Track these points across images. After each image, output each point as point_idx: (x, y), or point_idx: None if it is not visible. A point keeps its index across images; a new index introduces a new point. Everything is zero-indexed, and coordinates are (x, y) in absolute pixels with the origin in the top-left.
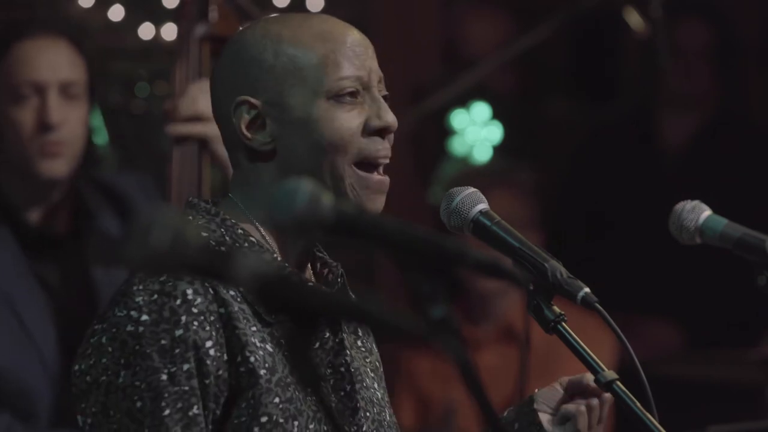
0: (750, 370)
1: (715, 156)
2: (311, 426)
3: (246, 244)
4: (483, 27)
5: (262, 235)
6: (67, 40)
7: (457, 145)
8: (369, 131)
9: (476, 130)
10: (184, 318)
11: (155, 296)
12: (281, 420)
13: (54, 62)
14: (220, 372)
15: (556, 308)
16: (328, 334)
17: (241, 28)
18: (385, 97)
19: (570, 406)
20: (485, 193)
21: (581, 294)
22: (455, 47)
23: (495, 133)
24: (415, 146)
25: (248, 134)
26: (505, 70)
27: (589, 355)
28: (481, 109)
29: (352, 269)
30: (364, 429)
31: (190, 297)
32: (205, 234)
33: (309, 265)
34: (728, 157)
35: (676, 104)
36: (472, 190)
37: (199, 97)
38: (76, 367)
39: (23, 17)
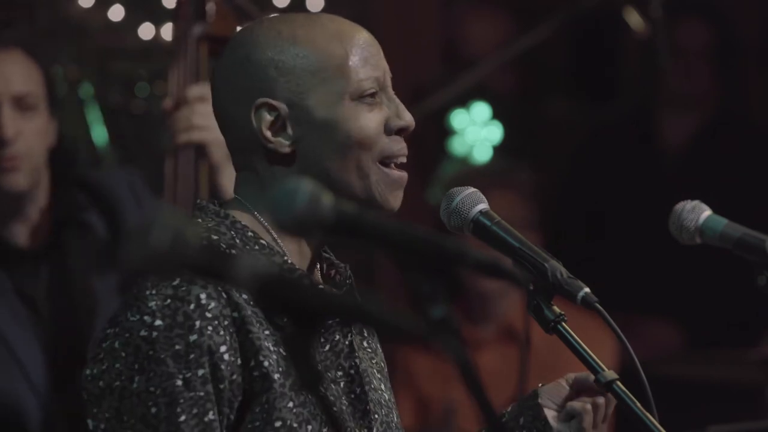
0: (750, 370)
1: (715, 156)
2: (324, 430)
3: (257, 247)
4: (483, 27)
5: (273, 238)
6: (21, 51)
7: (457, 145)
8: (390, 131)
9: (476, 130)
10: (198, 323)
11: (169, 301)
12: (295, 425)
13: (6, 74)
14: (234, 376)
15: (556, 308)
16: (338, 337)
17: (241, 30)
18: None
19: (576, 404)
20: (485, 194)
21: (581, 294)
22: (455, 47)
23: (495, 133)
24: (415, 146)
25: (270, 136)
26: (505, 70)
27: (589, 355)
28: (481, 109)
29: (352, 269)
30: (374, 431)
31: (203, 301)
32: (215, 237)
33: (317, 267)
34: (728, 157)
35: (676, 104)
36: (472, 190)
37: (198, 105)
38: (88, 372)
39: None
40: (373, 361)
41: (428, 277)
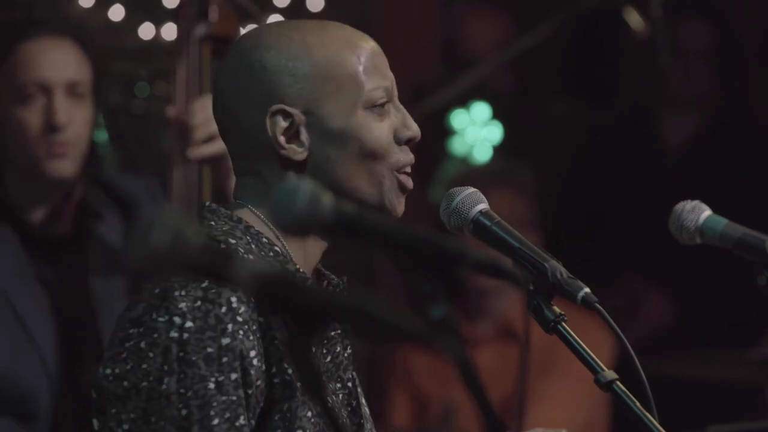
0: (750, 370)
1: (715, 156)
2: None
3: (271, 254)
4: (483, 27)
5: (283, 245)
6: (72, 39)
7: (457, 145)
8: (399, 141)
9: (476, 130)
10: (230, 326)
11: (199, 303)
12: None
13: (59, 62)
14: (259, 382)
15: (556, 308)
16: (339, 348)
17: (246, 35)
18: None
19: None
20: (484, 193)
21: (581, 294)
22: (455, 47)
23: (495, 133)
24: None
25: (284, 142)
26: (505, 70)
27: (589, 355)
28: (481, 109)
29: (352, 269)
30: None
31: (234, 305)
32: (233, 241)
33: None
34: (728, 157)
35: (676, 104)
36: (472, 190)
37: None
38: (108, 371)
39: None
40: (354, 374)
41: (428, 277)
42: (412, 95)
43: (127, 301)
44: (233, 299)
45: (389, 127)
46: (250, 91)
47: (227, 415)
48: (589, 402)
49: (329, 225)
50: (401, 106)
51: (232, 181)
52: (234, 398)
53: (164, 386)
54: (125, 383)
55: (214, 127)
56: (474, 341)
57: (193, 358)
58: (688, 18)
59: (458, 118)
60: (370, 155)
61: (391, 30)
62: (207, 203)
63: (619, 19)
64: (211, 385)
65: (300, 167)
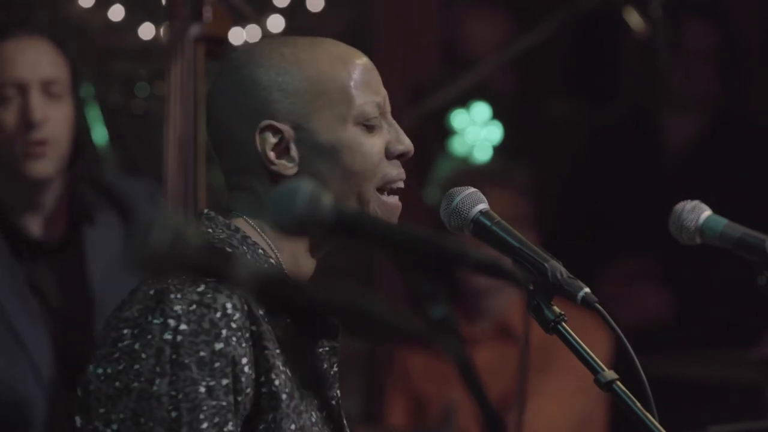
0: (750, 370)
1: (716, 156)
2: None
3: (266, 266)
4: (483, 27)
5: (276, 257)
6: (48, 39)
7: (457, 145)
8: (390, 155)
9: (476, 130)
10: (224, 332)
11: (194, 306)
12: None
13: (34, 61)
14: (248, 390)
15: (556, 308)
16: (326, 366)
17: (240, 50)
18: (399, 118)
19: None
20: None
21: (581, 294)
22: (455, 47)
23: (495, 133)
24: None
25: (273, 158)
26: (505, 70)
27: (589, 354)
28: (481, 109)
29: (352, 269)
30: None
31: (229, 311)
32: (229, 250)
33: None
34: (728, 157)
35: (676, 104)
36: (472, 190)
37: None
38: (100, 371)
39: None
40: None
41: (428, 277)
42: (412, 95)
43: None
44: (228, 305)
45: (380, 142)
46: (241, 106)
47: (216, 419)
48: (586, 399)
49: (329, 225)
50: (394, 122)
51: None
52: (224, 403)
53: (155, 387)
54: (117, 383)
55: None
56: (472, 341)
57: (186, 361)
58: (688, 18)
59: (458, 118)
60: (360, 172)
61: (391, 30)
62: (205, 210)
63: (619, 19)
64: (202, 389)
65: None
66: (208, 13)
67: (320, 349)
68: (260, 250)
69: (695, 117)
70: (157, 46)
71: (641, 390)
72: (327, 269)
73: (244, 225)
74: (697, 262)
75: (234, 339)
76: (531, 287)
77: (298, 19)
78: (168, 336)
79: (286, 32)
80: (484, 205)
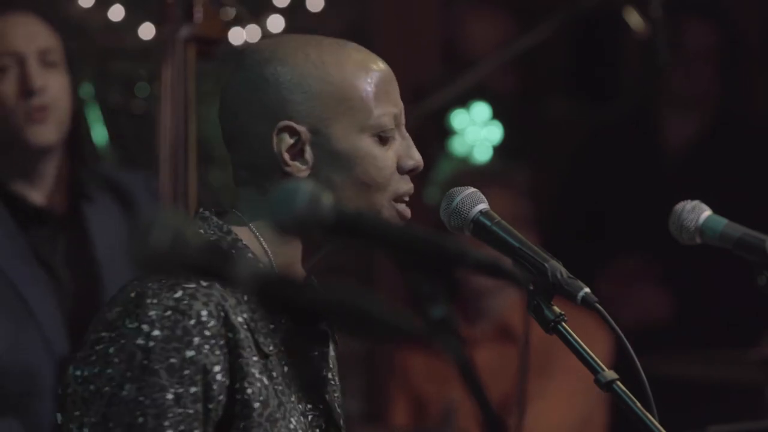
0: (750, 370)
1: (716, 156)
2: None
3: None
4: (483, 27)
5: (270, 260)
6: (38, 15)
7: (457, 145)
8: (401, 170)
9: (476, 130)
10: (196, 340)
11: (169, 312)
12: None
13: (29, 33)
14: (221, 397)
15: (556, 308)
16: (323, 365)
17: (263, 45)
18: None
19: None
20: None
21: (581, 294)
22: (455, 47)
23: (495, 133)
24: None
25: (288, 159)
26: (505, 70)
27: (589, 354)
28: (481, 109)
29: (352, 269)
30: None
31: (204, 319)
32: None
33: None
34: (728, 157)
35: (676, 104)
36: (472, 190)
37: None
38: (78, 373)
39: None
40: (335, 381)
41: (428, 277)
42: (412, 95)
43: (130, 277)
44: (204, 313)
45: (393, 156)
46: (260, 103)
47: (181, 427)
48: (587, 400)
49: (329, 225)
50: (407, 135)
51: None
52: (191, 411)
53: (125, 392)
54: (91, 386)
55: None
56: (472, 342)
57: (156, 367)
58: (689, 18)
59: (458, 118)
60: (372, 184)
61: (391, 30)
62: (201, 210)
63: (619, 19)
64: (170, 396)
65: None
66: (198, 14)
67: (311, 354)
68: (250, 254)
69: (695, 117)
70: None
71: (641, 390)
72: (327, 269)
73: (240, 226)
74: (697, 262)
75: (207, 347)
76: (531, 287)
77: (298, 19)
78: (140, 341)
79: (286, 32)
80: (484, 205)
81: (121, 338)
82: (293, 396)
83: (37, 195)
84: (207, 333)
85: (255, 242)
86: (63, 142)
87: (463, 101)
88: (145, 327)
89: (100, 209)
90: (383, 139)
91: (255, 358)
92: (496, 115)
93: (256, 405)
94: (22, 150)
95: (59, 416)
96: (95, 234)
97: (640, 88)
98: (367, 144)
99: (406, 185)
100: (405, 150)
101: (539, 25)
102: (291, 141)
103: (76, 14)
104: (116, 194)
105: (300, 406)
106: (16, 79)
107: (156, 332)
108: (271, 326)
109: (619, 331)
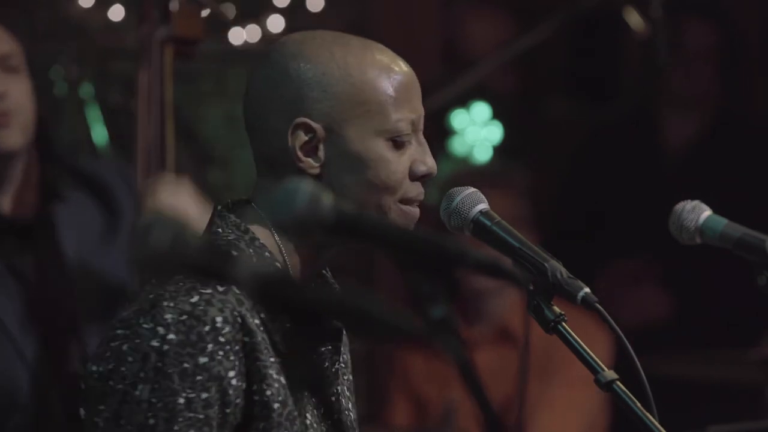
0: (750, 370)
1: (716, 156)
2: None
3: (272, 268)
4: (483, 27)
5: (284, 259)
6: None
7: (457, 145)
8: (413, 176)
9: (476, 130)
10: (210, 346)
11: (185, 317)
12: None
13: None
14: (239, 400)
15: (556, 308)
16: (327, 364)
17: (290, 39)
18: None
19: None
20: None
21: (581, 294)
22: (455, 47)
23: (495, 133)
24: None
25: (301, 156)
26: (505, 70)
27: (589, 355)
28: (481, 109)
29: (352, 269)
30: None
31: (219, 325)
32: (235, 253)
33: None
34: (728, 157)
35: (676, 104)
36: (472, 190)
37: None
38: (94, 369)
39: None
40: (345, 378)
41: (428, 277)
42: None
43: (103, 283)
44: (219, 319)
45: (407, 161)
46: (280, 98)
47: (191, 431)
48: (591, 409)
49: (329, 225)
50: (424, 141)
51: None
52: (201, 417)
53: (138, 392)
54: (110, 382)
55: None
56: (472, 343)
57: (169, 371)
58: (689, 18)
59: (458, 118)
60: (382, 188)
61: (391, 30)
62: (219, 207)
63: (619, 19)
64: (181, 400)
65: (314, 180)
66: (176, 13)
67: (322, 348)
68: (267, 253)
69: (695, 117)
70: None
71: (641, 390)
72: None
73: (257, 222)
74: (697, 262)
75: (221, 353)
76: (531, 287)
77: (298, 19)
78: (155, 343)
79: (285, 32)
80: (484, 205)
81: (136, 337)
82: (306, 392)
83: (4, 201)
84: (221, 339)
85: (270, 239)
86: (31, 146)
87: (463, 101)
88: (160, 329)
89: (73, 209)
90: (398, 144)
91: (272, 359)
92: (496, 115)
93: (276, 405)
94: None
95: (82, 411)
96: (68, 236)
97: (640, 88)
98: (381, 148)
99: (415, 190)
100: (420, 155)
101: (539, 25)
102: (306, 138)
103: (76, 14)
104: (92, 188)
105: (313, 399)
106: None
107: (171, 336)
108: (288, 325)
109: (619, 331)
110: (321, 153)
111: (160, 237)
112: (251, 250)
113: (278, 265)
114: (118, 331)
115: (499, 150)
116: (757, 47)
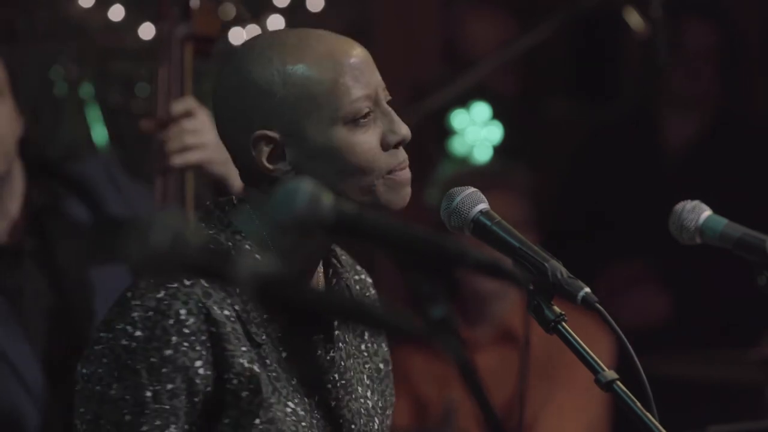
0: (750, 370)
1: (716, 156)
2: None
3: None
4: (483, 27)
5: (272, 253)
6: None
7: (457, 145)
8: (387, 146)
9: (476, 130)
10: (174, 338)
11: (151, 313)
12: None
13: None
14: (209, 389)
15: (556, 308)
16: (320, 352)
17: (236, 52)
18: (389, 102)
19: None
20: None
21: (581, 294)
22: (455, 47)
23: (495, 133)
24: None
25: (270, 166)
26: (505, 70)
27: (589, 354)
28: (481, 109)
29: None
30: None
31: (183, 317)
32: (213, 246)
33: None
34: (728, 157)
35: (676, 104)
36: (472, 190)
37: (187, 122)
38: (84, 371)
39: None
40: (366, 366)
41: (428, 277)
42: (412, 95)
43: (101, 295)
44: (183, 311)
45: (375, 136)
46: (236, 114)
47: (157, 422)
48: (594, 412)
49: (329, 225)
50: (389, 109)
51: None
52: (167, 407)
53: (112, 391)
54: (89, 385)
55: (190, 133)
56: (473, 345)
57: (138, 367)
58: (689, 18)
59: (458, 118)
60: (357, 170)
61: (391, 30)
62: (208, 203)
63: (619, 19)
64: (149, 394)
65: (290, 178)
66: (195, 11)
67: (314, 337)
68: (247, 245)
69: (695, 117)
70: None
71: (641, 390)
72: None
73: (246, 219)
74: (697, 262)
75: (186, 344)
76: (531, 287)
77: (298, 19)
78: (125, 342)
79: None
80: (484, 205)
81: (111, 339)
82: (293, 380)
83: (0, 228)
84: (186, 331)
85: (258, 235)
86: (16, 165)
87: (463, 101)
88: (129, 328)
89: (63, 221)
90: (360, 124)
91: (244, 348)
92: (496, 115)
93: (244, 394)
94: None
95: (76, 422)
96: (61, 252)
97: (640, 88)
98: (343, 134)
99: (395, 159)
100: (388, 126)
101: (539, 25)
102: (267, 149)
103: (76, 14)
104: (80, 193)
105: (303, 389)
106: None
107: (138, 333)
108: (265, 316)
109: (619, 331)
110: (288, 157)
111: (160, 237)
112: (230, 243)
113: (258, 257)
114: (101, 335)
115: (499, 150)
116: (757, 47)
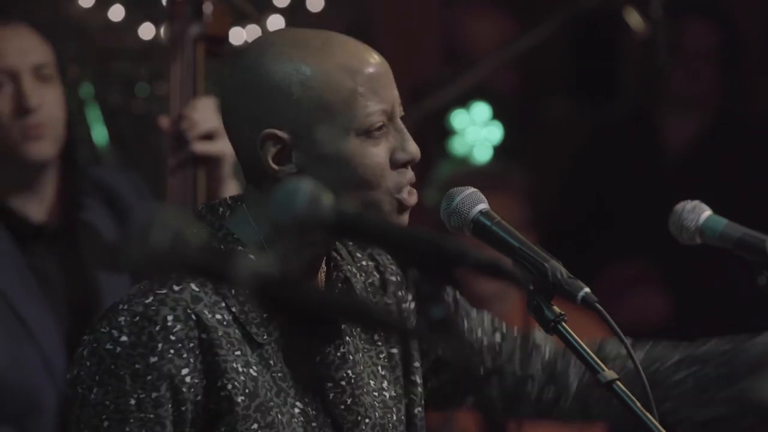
0: None
1: (716, 156)
2: None
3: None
4: (483, 27)
5: (267, 255)
6: (29, 26)
7: (457, 145)
8: (395, 164)
9: (476, 130)
10: (160, 345)
11: (137, 318)
12: None
13: (23, 48)
14: (199, 398)
15: (556, 308)
16: (329, 349)
17: (250, 47)
18: (402, 118)
19: None
20: None
21: (581, 294)
22: (455, 47)
23: (495, 133)
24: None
25: (275, 166)
26: (505, 70)
27: (589, 354)
28: (481, 109)
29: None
30: None
31: (169, 324)
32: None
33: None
34: (728, 157)
35: (676, 104)
36: (472, 190)
37: (213, 115)
38: (68, 375)
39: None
40: (381, 356)
41: (428, 277)
42: (412, 95)
43: (126, 283)
44: (170, 317)
45: (385, 151)
46: (246, 110)
47: (142, 431)
48: None
49: (329, 225)
50: (402, 126)
51: (225, 190)
52: (152, 416)
53: (93, 396)
54: (72, 388)
55: (214, 125)
56: None
57: (122, 373)
58: (689, 18)
59: (458, 118)
60: (364, 183)
61: (391, 30)
62: (201, 206)
63: (619, 19)
64: (132, 401)
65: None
66: (208, 12)
67: (321, 334)
68: (239, 248)
69: (695, 117)
70: (157, 46)
71: (641, 390)
72: None
73: (243, 222)
74: (697, 262)
75: (171, 351)
76: (531, 287)
77: (298, 19)
78: (109, 346)
79: None
80: (484, 205)
81: (95, 342)
82: (302, 379)
83: (36, 210)
84: (172, 338)
85: (254, 237)
86: (59, 155)
87: (463, 101)
88: (114, 332)
89: (93, 218)
90: (372, 137)
91: (238, 353)
92: (496, 115)
93: (240, 399)
94: (19, 166)
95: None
96: (90, 245)
97: (640, 88)
98: (354, 145)
99: (403, 178)
100: (399, 143)
101: (539, 25)
102: (275, 149)
103: (76, 14)
104: (106, 198)
105: (312, 387)
106: (11, 96)
107: (124, 338)
108: (265, 315)
109: (619, 331)
110: (294, 159)
111: (160, 237)
112: (222, 246)
113: (252, 258)
114: (85, 337)
115: (499, 150)
116: (757, 47)
